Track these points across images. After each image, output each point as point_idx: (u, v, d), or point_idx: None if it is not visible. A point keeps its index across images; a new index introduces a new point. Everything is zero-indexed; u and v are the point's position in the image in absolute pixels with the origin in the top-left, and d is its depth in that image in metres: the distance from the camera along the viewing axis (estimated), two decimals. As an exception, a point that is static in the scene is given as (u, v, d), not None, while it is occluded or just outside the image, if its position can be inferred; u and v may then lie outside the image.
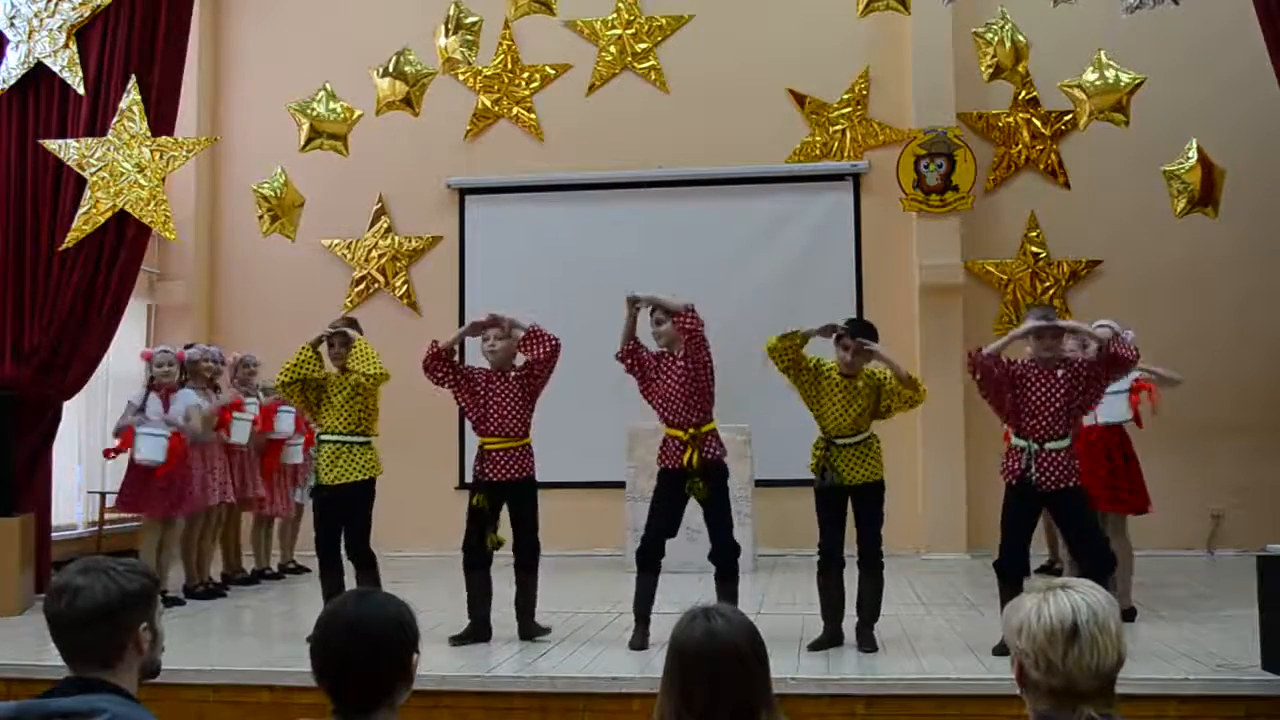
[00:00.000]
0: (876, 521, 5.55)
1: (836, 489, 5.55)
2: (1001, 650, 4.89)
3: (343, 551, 6.01)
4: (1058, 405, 5.27)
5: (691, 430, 5.61)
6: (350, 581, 5.86)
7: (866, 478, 5.53)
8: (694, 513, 5.77)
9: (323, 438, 6.03)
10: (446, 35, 8.01)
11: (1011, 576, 5.27)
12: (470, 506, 5.93)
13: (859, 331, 5.58)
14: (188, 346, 7.97)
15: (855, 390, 5.56)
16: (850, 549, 5.60)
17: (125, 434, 7.16)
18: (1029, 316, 5.58)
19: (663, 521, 5.67)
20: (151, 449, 7.01)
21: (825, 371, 5.60)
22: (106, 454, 7.56)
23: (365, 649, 2.09)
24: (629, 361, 5.80)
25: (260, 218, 8.39)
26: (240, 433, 7.89)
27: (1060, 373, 5.33)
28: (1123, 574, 6.01)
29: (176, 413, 7.20)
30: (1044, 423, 5.29)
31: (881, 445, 5.66)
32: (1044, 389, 5.29)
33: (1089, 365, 5.39)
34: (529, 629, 5.83)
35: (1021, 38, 7.81)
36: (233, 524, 8.36)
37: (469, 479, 6.25)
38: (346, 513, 5.97)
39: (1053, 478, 5.27)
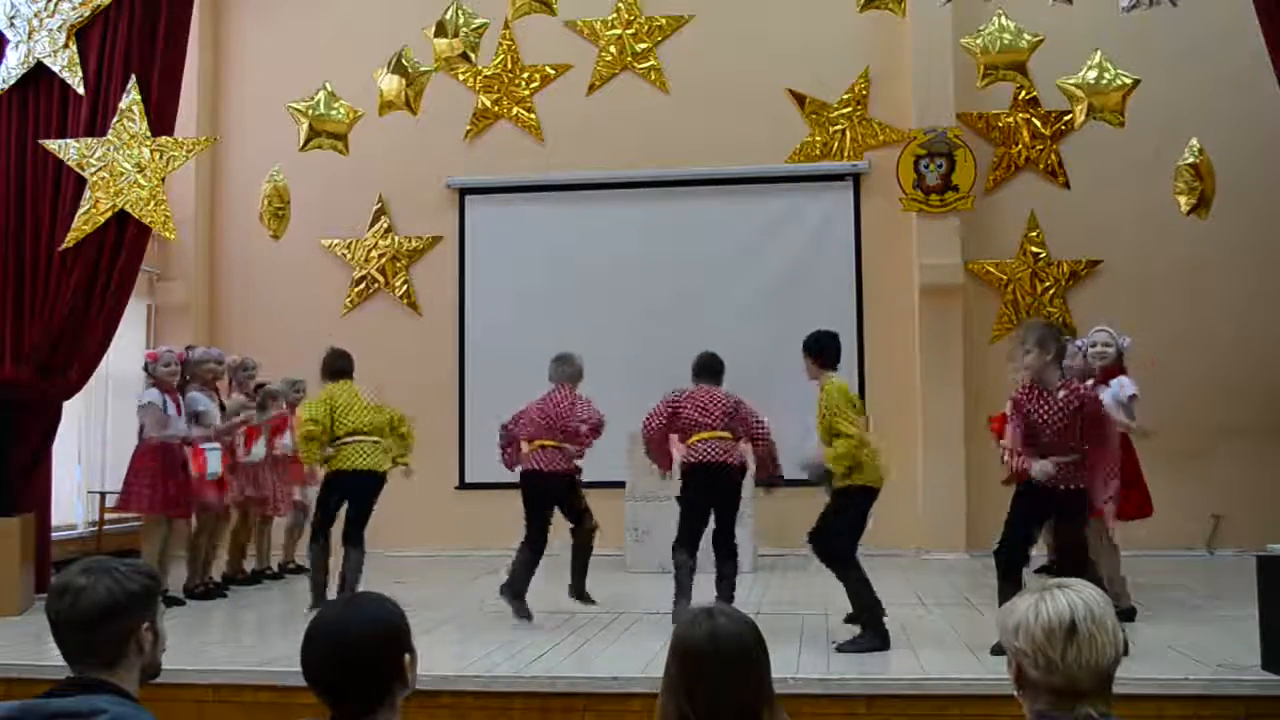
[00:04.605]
0: (841, 525, 5.62)
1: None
2: (999, 650, 4.88)
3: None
4: (1060, 425, 5.26)
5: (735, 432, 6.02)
6: (335, 565, 6.49)
7: (840, 483, 5.62)
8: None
9: (349, 439, 6.58)
10: (443, 35, 7.98)
11: (1009, 568, 5.27)
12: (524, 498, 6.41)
13: (812, 343, 5.77)
14: (189, 348, 7.96)
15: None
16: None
17: (195, 452, 7.42)
18: (1029, 333, 5.47)
19: (704, 516, 6.03)
20: (215, 463, 7.48)
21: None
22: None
23: (355, 657, 2.05)
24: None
25: (261, 214, 8.41)
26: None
27: (1061, 394, 5.33)
28: (1114, 574, 6.01)
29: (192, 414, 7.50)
30: (1048, 441, 5.28)
31: (872, 453, 5.63)
32: (1045, 411, 5.28)
33: (1090, 398, 5.40)
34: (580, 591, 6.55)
35: (1024, 41, 7.74)
36: (243, 526, 8.34)
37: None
38: (362, 497, 6.61)
39: (1063, 476, 5.26)
